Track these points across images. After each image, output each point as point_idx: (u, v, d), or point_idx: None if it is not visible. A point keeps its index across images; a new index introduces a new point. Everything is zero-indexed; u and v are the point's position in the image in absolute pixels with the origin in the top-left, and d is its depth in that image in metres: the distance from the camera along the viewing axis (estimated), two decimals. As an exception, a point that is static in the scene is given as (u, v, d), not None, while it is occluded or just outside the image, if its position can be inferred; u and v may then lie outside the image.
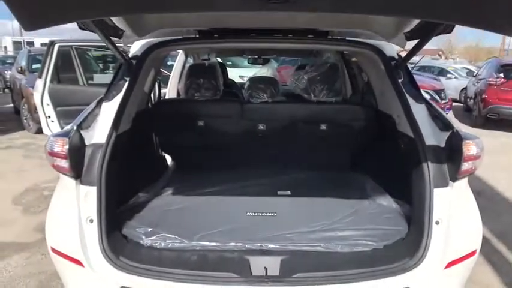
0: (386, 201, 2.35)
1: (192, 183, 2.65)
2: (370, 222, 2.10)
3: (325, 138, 2.90)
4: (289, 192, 2.51)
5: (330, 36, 2.29)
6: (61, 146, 1.75)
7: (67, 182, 1.82)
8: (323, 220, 2.12)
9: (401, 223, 2.08)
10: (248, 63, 5.28)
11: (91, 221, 1.78)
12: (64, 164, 1.76)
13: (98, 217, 1.77)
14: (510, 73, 9.69)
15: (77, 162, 1.78)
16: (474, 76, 12.07)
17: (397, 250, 1.89)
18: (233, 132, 2.93)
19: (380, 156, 2.68)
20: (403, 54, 2.41)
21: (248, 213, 2.21)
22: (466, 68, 17.18)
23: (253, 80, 2.94)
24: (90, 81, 6.29)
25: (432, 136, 1.92)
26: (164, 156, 3.13)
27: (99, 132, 1.90)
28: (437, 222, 1.82)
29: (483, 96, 9.77)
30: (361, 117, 2.86)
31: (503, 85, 9.56)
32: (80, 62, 6.18)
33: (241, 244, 1.85)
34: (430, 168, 1.83)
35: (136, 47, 2.34)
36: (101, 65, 7.78)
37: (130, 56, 2.28)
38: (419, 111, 2.03)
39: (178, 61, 4.02)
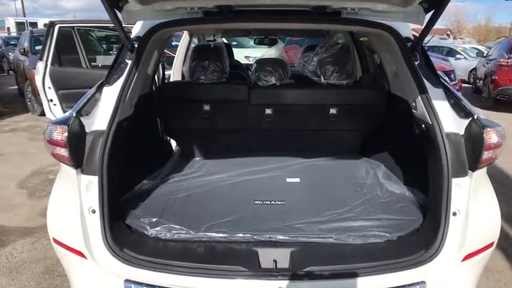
0: (400, 189, 2.27)
1: (198, 170, 2.58)
2: (383, 212, 2.03)
3: (335, 122, 2.80)
4: (298, 180, 2.43)
5: (342, 16, 2.16)
6: (60, 134, 1.67)
7: (68, 172, 1.75)
8: (334, 209, 2.04)
9: (415, 213, 2.00)
10: (254, 43, 5.13)
11: (93, 211, 1.71)
12: (64, 152, 1.68)
13: (101, 208, 1.71)
14: (522, 54, 9.41)
15: (77, 150, 1.70)
16: (484, 57, 11.75)
17: (412, 242, 1.82)
18: (240, 117, 2.84)
19: (393, 142, 2.59)
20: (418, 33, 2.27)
21: (256, 202, 2.14)
22: (475, 48, 16.77)
23: (261, 62, 2.82)
24: (93, 63, 6.17)
25: (451, 123, 1.82)
26: (169, 141, 3.06)
27: (100, 118, 1.81)
28: (454, 214, 1.74)
29: (493, 77, 9.51)
30: (373, 100, 2.75)
31: (514, 66, 9.29)
32: (83, 44, 6.04)
33: (249, 235, 1.79)
34: (448, 157, 1.74)
35: (138, 28, 2.23)
36: (104, 46, 7.62)
37: (132, 37, 2.17)
38: (436, 96, 1.92)
39: (183, 42, 3.88)
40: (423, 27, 2.00)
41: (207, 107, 2.79)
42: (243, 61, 6.10)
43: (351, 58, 2.75)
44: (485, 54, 12.04)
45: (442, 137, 1.77)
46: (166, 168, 2.59)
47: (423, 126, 1.91)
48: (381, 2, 2.01)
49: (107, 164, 1.73)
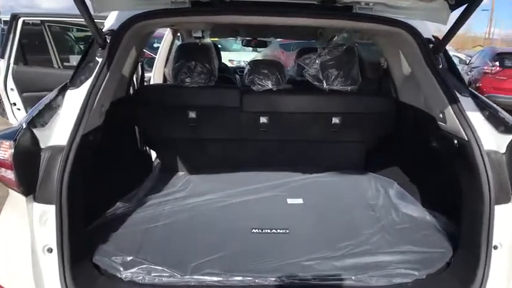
0: (418, 212, 1.97)
1: (183, 189, 2.21)
2: (404, 242, 1.71)
3: (338, 133, 2.48)
4: (301, 200, 2.10)
5: (354, 11, 1.84)
6: (4, 152, 1.27)
7: (17, 199, 1.36)
8: (347, 239, 1.72)
9: (442, 243, 1.70)
10: (242, 45, 4.78)
11: (49, 250, 1.33)
12: (10, 175, 1.29)
13: (59, 245, 1.32)
14: (505, 61, 9.46)
15: (27, 172, 1.31)
16: (466, 64, 11.83)
17: (445, 281, 1.51)
18: (231, 126, 2.49)
19: (406, 157, 2.29)
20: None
21: (254, 231, 1.79)
22: (456, 56, 16.97)
23: (256, 64, 2.47)
24: (65, 63, 5.64)
25: (489, 139, 1.52)
26: (149, 153, 2.67)
27: (59, 130, 1.43)
28: (495, 247, 1.44)
29: (477, 84, 9.55)
30: (381, 109, 2.45)
31: (498, 74, 9.34)
32: (57, 43, 5.50)
33: (250, 278, 1.43)
34: (490, 180, 1.44)
35: (112, 20, 1.85)
36: (82, 48, 7.05)
37: (104, 30, 1.80)
38: (467, 107, 1.63)
39: (165, 41, 3.48)
40: (449, 27, 1.73)
41: (192, 114, 2.43)
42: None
43: (357, 62, 2.44)
44: (467, 62, 12.13)
45: (481, 156, 1.47)
46: (144, 186, 2.20)
47: (455, 142, 1.61)
48: None
49: (67, 189, 1.34)
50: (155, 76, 3.55)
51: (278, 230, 1.80)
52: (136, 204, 1.98)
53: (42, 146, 1.37)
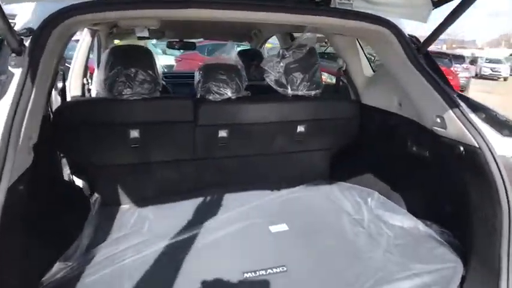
0: (407, 223, 1.83)
1: (137, 230, 1.76)
2: (411, 260, 1.55)
3: (303, 141, 2.26)
4: (285, 226, 1.81)
5: (333, 6, 1.62)
6: None
7: None
8: (353, 268, 1.50)
9: (448, 255, 1.57)
10: (167, 47, 4.27)
11: None
12: None
13: None
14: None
15: None
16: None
17: None
18: (183, 144, 2.10)
19: (379, 163, 2.16)
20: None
21: (247, 275, 1.46)
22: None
23: (211, 68, 2.10)
24: None
25: (496, 143, 1.43)
26: (81, 188, 2.12)
27: None
28: None
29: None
30: (347, 113, 2.30)
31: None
32: None
33: None
34: (507, 187, 1.34)
35: (28, 15, 1.35)
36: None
37: (17, 29, 1.29)
38: (468, 111, 1.53)
39: (82, 46, 2.86)
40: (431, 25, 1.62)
41: (135, 133, 1.97)
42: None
43: (318, 64, 2.24)
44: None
45: (496, 163, 1.36)
46: (86, 234, 1.69)
47: (461, 149, 1.48)
48: None
49: None
50: (71, 88, 2.91)
51: (274, 270, 1.49)
52: (82, 262, 1.48)
53: None
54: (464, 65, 15.07)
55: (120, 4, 1.39)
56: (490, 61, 21.66)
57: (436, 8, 1.64)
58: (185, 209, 1.95)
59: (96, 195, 2.02)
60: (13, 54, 1.23)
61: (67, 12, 1.32)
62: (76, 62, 2.86)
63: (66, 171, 2.06)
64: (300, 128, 2.23)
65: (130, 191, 2.06)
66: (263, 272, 1.48)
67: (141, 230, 1.75)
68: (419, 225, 1.80)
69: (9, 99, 1.13)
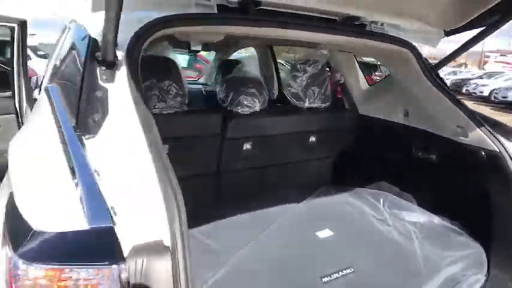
0: (427, 218, 2.09)
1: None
2: (445, 248, 1.80)
3: (314, 150, 2.43)
4: (329, 232, 1.93)
5: (368, 29, 1.82)
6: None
7: None
8: (404, 261, 1.72)
9: (472, 242, 1.86)
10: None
11: None
12: None
13: None
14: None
15: None
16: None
17: None
18: (208, 157, 2.09)
19: (394, 169, 2.40)
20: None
21: (324, 279, 1.55)
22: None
23: (238, 81, 2.13)
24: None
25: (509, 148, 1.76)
26: None
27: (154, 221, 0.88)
28: None
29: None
30: (352, 124, 2.52)
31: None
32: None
33: None
34: None
35: (97, 26, 1.26)
36: None
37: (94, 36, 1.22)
38: (480, 119, 1.85)
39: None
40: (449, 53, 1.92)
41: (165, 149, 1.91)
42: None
43: (328, 78, 2.42)
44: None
45: None
46: None
47: (482, 153, 1.79)
48: (419, 20, 1.80)
49: None
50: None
51: (344, 271, 1.62)
52: None
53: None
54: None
55: (201, 18, 1.37)
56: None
57: (447, 36, 1.95)
58: (224, 223, 1.94)
59: None
60: (103, 68, 1.15)
61: (157, 25, 1.27)
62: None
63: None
64: (312, 138, 2.39)
65: None
66: (336, 275, 1.59)
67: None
68: (435, 219, 2.08)
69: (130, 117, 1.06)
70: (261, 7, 1.48)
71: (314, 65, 2.31)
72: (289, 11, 1.58)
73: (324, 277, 1.56)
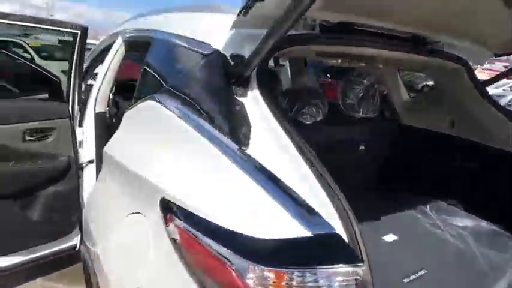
0: (475, 222, 2.23)
1: None
2: (501, 251, 1.94)
3: (363, 158, 2.55)
4: (393, 235, 2.05)
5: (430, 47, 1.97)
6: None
7: None
8: (472, 263, 1.83)
9: None
10: None
11: None
12: None
13: None
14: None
15: None
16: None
17: None
18: None
19: (438, 177, 2.54)
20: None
21: (405, 280, 1.67)
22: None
23: (301, 92, 2.23)
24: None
25: None
26: None
27: None
28: None
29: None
30: (394, 133, 2.67)
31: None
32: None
33: None
34: None
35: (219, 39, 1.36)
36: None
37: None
38: None
39: (115, 58, 2.56)
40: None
41: None
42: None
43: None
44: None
45: None
46: None
47: None
48: (476, 43, 1.96)
49: None
50: (97, 103, 2.61)
51: (419, 273, 1.74)
52: None
53: None
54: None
55: (314, 38, 1.47)
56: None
57: (496, 57, 2.12)
58: None
59: None
60: (236, 82, 1.23)
61: (290, 42, 1.36)
62: (107, 74, 2.58)
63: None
64: (361, 146, 2.51)
65: None
66: (413, 276, 1.70)
67: None
68: (482, 223, 2.24)
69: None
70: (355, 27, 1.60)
71: (368, 77, 2.44)
72: (369, 30, 1.71)
73: (404, 278, 1.67)
